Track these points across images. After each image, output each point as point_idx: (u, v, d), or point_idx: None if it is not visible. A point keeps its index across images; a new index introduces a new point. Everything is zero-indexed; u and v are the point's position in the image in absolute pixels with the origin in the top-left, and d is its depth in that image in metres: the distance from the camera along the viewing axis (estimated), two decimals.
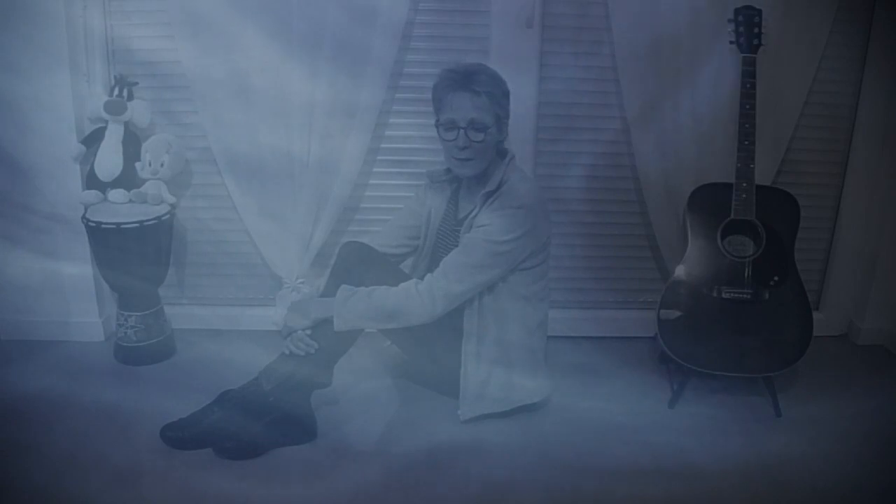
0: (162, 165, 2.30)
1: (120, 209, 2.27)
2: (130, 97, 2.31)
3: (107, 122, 2.31)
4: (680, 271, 2.19)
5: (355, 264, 2.04)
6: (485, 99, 1.93)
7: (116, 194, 2.31)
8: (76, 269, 2.41)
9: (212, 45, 2.26)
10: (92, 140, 2.32)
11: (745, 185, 2.13)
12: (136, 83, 2.33)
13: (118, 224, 2.20)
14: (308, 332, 1.95)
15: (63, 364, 2.32)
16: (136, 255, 2.25)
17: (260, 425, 1.88)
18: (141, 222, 2.21)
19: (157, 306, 2.38)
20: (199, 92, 2.32)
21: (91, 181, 2.32)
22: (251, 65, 2.28)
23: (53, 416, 2.01)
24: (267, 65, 2.27)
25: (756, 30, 2.15)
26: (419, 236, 2.20)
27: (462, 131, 1.94)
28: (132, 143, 2.33)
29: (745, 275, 2.13)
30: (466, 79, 1.94)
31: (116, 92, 2.30)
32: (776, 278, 2.13)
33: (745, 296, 2.12)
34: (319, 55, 2.27)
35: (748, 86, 2.13)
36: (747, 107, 2.13)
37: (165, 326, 2.41)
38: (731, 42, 2.18)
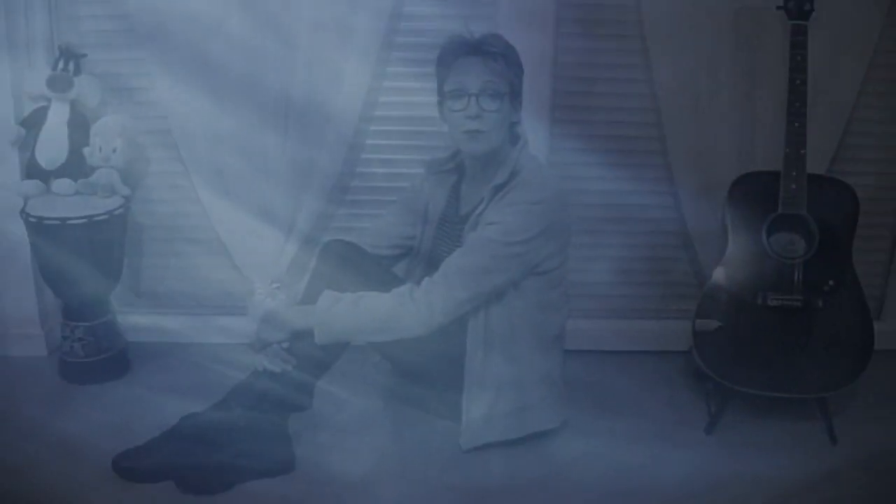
0: (114, 151, 2.31)
1: (65, 202, 2.28)
2: (78, 71, 2.31)
3: (50, 100, 2.31)
4: (719, 275, 2.19)
5: (340, 266, 2.03)
6: (501, 63, 1.95)
7: (61, 185, 2.31)
8: (14, 272, 2.41)
9: (175, 16, 2.27)
10: (32, 122, 2.32)
11: (794, 174, 2.13)
12: (85, 55, 2.34)
13: (63, 219, 2.20)
14: (285, 345, 1.95)
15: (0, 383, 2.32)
16: (84, 255, 2.25)
17: (228, 454, 1.88)
18: (89, 217, 2.22)
19: (109, 315, 2.39)
20: (158, 66, 2.32)
21: (32, 170, 2.33)
22: (218, 35, 2.29)
23: None
24: (237, 35, 2.28)
25: None
26: (415, 235, 2.20)
27: (473, 98, 1.94)
28: (79, 126, 2.34)
29: (795, 279, 2.13)
30: (479, 42, 1.97)
31: (61, 65, 2.30)
32: (831, 283, 2.13)
33: (794, 303, 2.12)
34: (298, 39, 2.30)
35: (798, 58, 2.13)
36: (797, 82, 2.13)
37: (118, 339, 2.41)
38: (779, 7, 2.18)
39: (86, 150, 2.32)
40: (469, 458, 2.02)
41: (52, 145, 2.31)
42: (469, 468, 1.99)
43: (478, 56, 1.96)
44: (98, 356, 2.35)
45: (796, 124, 2.13)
